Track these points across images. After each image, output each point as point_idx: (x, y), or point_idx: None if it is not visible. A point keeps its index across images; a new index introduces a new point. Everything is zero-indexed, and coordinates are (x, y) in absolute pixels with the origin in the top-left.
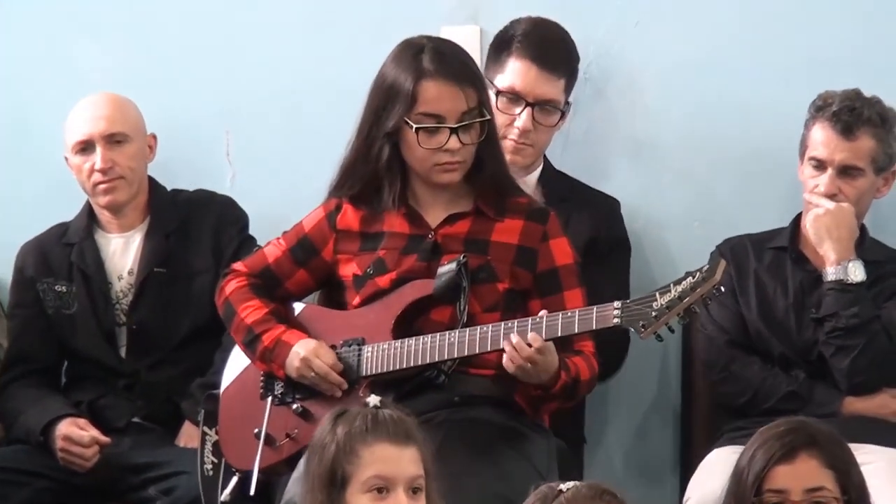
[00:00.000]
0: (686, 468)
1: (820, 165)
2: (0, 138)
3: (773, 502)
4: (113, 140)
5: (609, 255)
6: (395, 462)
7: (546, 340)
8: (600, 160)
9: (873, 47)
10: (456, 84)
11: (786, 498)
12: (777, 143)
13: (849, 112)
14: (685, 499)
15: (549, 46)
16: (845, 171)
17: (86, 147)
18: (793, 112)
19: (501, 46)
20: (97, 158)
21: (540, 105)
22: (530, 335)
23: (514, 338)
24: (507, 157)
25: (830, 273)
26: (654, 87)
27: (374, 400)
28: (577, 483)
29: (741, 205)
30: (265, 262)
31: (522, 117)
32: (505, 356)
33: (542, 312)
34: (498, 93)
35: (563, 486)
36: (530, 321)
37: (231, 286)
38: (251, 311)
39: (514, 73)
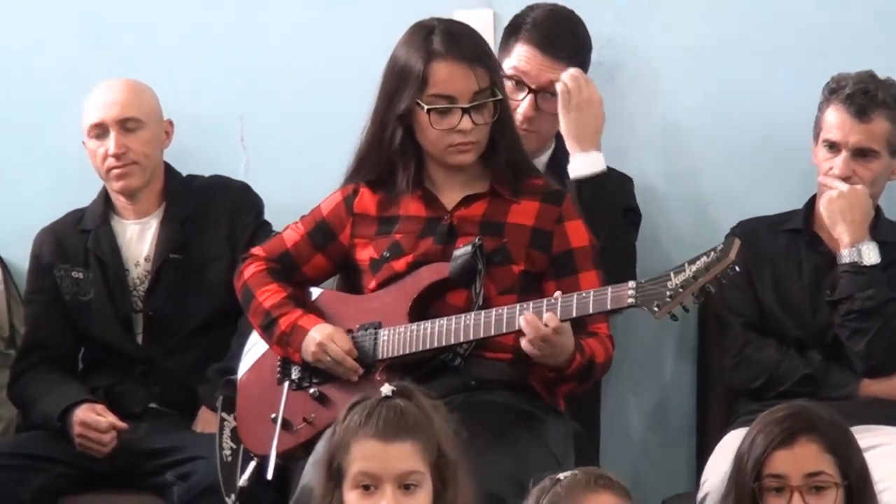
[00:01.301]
0: (702, 451)
1: (834, 148)
2: (16, 125)
3: (772, 487)
4: (126, 125)
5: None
6: (380, 459)
7: (562, 321)
8: (614, 144)
9: (887, 29)
10: (467, 64)
11: (785, 483)
12: (791, 125)
13: (863, 94)
14: (702, 481)
15: (557, 34)
16: (860, 154)
17: (100, 131)
18: (807, 94)
19: (512, 32)
20: (111, 143)
21: (543, 92)
22: (546, 315)
23: (529, 315)
24: None
25: (845, 255)
26: (666, 70)
27: (386, 389)
28: (574, 471)
29: (755, 188)
30: (284, 246)
31: (525, 104)
32: (523, 339)
33: (557, 293)
34: (504, 77)
35: (560, 476)
36: (545, 302)
37: (250, 270)
38: (269, 296)
39: (519, 58)
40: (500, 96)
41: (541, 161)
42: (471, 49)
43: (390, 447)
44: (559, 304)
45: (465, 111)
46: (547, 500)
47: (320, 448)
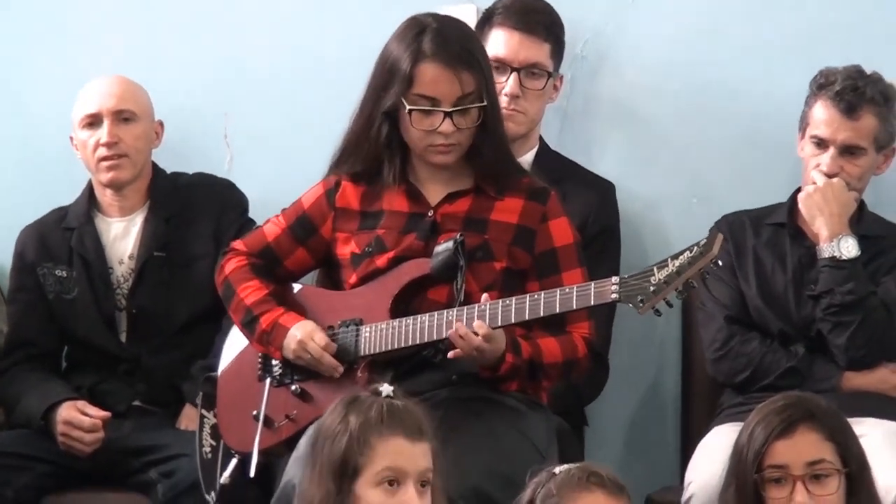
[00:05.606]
0: (686, 446)
1: (822, 144)
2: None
3: (774, 478)
4: (121, 117)
5: (596, 243)
6: (409, 456)
7: (494, 328)
8: (598, 138)
9: (872, 23)
10: (452, 69)
11: (787, 472)
12: (775, 118)
13: (852, 91)
14: (686, 482)
15: (530, 12)
16: (847, 151)
17: (93, 121)
18: (791, 87)
19: (484, 22)
20: (103, 132)
21: (526, 69)
22: (476, 323)
23: (461, 327)
24: None
25: (824, 250)
26: (650, 64)
27: (386, 389)
28: (570, 466)
29: (739, 181)
30: (265, 240)
31: (510, 83)
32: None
33: (485, 297)
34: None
35: (556, 470)
36: (528, 298)
37: (231, 265)
38: (251, 292)
39: (496, 41)
40: (484, 102)
41: (525, 160)
42: (460, 53)
43: (416, 445)
44: (542, 299)
45: (447, 114)
46: (542, 493)
47: (303, 445)
